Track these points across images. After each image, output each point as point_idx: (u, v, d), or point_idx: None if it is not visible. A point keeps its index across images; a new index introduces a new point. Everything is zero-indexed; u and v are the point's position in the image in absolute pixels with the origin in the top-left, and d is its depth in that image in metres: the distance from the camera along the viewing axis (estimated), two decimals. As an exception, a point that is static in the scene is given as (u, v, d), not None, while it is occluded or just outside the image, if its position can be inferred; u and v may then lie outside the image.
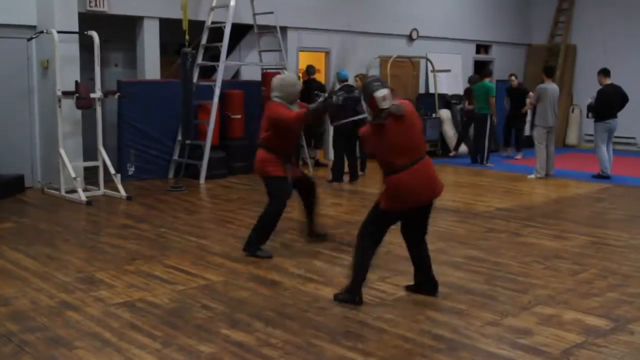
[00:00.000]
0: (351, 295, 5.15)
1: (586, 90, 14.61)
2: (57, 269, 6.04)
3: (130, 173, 10.69)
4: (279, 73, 11.69)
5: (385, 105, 4.92)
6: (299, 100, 6.65)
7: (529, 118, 14.27)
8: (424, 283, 5.42)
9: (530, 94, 12.90)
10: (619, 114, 11.57)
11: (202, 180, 10.72)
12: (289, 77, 6.76)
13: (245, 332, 4.58)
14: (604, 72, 11.62)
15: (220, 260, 6.40)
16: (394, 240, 7.11)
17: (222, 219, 8.26)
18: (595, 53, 16.20)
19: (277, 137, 6.42)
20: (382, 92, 4.91)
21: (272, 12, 11.41)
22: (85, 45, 9.92)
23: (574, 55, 17.04)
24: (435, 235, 7.49)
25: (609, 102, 11.40)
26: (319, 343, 4.40)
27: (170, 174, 11.12)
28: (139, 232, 7.46)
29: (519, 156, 14.13)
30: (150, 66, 11.27)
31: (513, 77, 14.63)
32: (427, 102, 14.71)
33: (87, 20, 10.09)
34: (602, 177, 11.47)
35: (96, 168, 9.69)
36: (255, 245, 6.51)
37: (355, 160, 11.12)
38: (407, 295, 5.40)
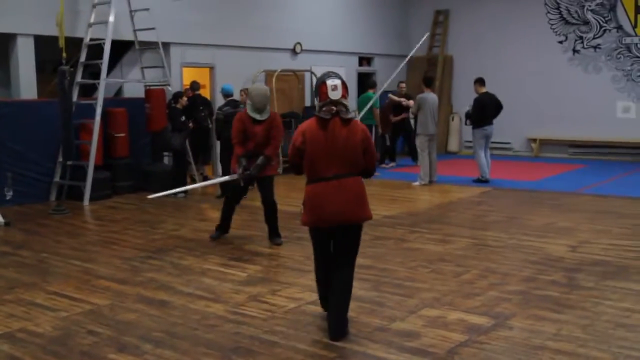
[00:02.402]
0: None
1: (464, 99, 15.28)
2: None
3: (8, 198, 10.17)
4: (162, 90, 11.64)
5: (334, 96, 4.63)
6: (269, 108, 7.58)
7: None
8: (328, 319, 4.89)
9: (411, 101, 13.32)
10: (495, 121, 12.14)
11: (85, 201, 10.37)
12: (255, 87, 7.73)
13: (133, 355, 4.46)
14: (480, 82, 12.16)
15: (106, 283, 6.21)
16: (283, 253, 7.22)
17: (107, 241, 8.02)
18: (470, 63, 16.92)
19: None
20: (334, 82, 4.65)
21: (153, 28, 11.24)
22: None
23: (451, 66, 17.74)
24: (324, 246, 7.60)
25: (485, 110, 11.92)
26: (209, 361, 4.36)
27: (52, 197, 10.69)
28: (19, 259, 7.12)
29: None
30: (26, 85, 10.79)
31: (402, 85, 15.00)
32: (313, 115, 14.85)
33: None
34: (481, 181, 11.98)
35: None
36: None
37: (244, 175, 11.06)
38: (298, 307, 5.42)
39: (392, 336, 4.75)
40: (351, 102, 16.31)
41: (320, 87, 4.68)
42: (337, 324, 4.72)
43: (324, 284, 4.99)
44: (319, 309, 5.35)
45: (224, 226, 8.01)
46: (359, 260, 6.77)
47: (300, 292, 5.83)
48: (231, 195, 7.99)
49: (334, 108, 4.65)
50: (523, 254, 7.05)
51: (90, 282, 6.25)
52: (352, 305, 5.40)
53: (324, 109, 4.65)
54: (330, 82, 4.64)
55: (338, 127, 4.63)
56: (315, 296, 5.65)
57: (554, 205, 9.91)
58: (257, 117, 7.40)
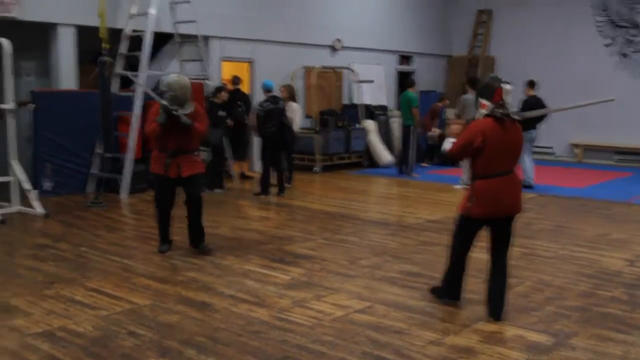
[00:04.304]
0: (441, 295, 5.50)
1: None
2: (-34, 296, 5.55)
3: (46, 188, 10.11)
4: (200, 84, 11.48)
5: (508, 99, 5.02)
6: (192, 102, 6.83)
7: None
8: (488, 305, 5.26)
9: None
10: (538, 125, 11.82)
11: (123, 194, 10.27)
12: (176, 79, 6.78)
13: (176, 361, 4.28)
14: (530, 84, 11.88)
15: (146, 281, 6.04)
16: (326, 255, 6.99)
17: (145, 236, 7.86)
18: (512, 65, 16.54)
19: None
20: (507, 86, 5.02)
21: (194, 21, 11.09)
22: (-5, 53, 9.33)
23: (492, 67, 17.36)
24: (368, 250, 7.38)
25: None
26: (257, 371, 4.15)
27: (90, 189, 10.60)
28: (58, 253, 7.00)
29: None
30: (66, 76, 10.72)
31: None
32: (351, 113, 14.66)
33: (-3, 26, 9.52)
34: (525, 186, 11.63)
35: (7, 184, 9.09)
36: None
37: (283, 173, 10.89)
38: (345, 315, 5.19)
39: (447, 351, 4.50)
40: (390, 101, 16.11)
41: (496, 90, 5.01)
42: (501, 304, 5.18)
43: (461, 273, 5.37)
44: (367, 317, 5.14)
45: (166, 236, 7.10)
46: (407, 267, 6.61)
47: (346, 299, 5.60)
48: (160, 199, 6.96)
49: (507, 110, 5.01)
50: (577, 267, 6.74)
51: (130, 279, 6.09)
52: (402, 315, 5.20)
53: (498, 110, 4.98)
54: (505, 87, 5.00)
55: (510, 126, 5.03)
56: (362, 304, 5.46)
57: (605, 215, 9.56)
58: (181, 111, 6.59)
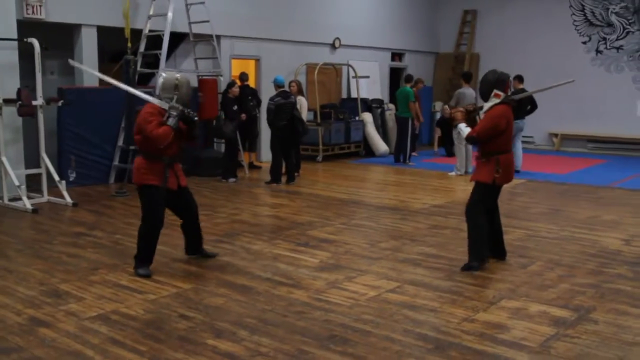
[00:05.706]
0: (475, 264, 5.73)
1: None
2: (18, 283, 5.40)
3: (71, 179, 9.92)
4: (215, 80, 11.31)
5: (511, 90, 5.89)
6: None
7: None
8: (494, 250, 6.04)
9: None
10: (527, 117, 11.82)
11: (144, 184, 10.08)
12: (184, 78, 5.62)
13: (231, 341, 4.17)
14: (519, 78, 11.82)
15: (183, 266, 5.93)
16: (347, 239, 6.91)
17: (172, 224, 7.52)
18: (496, 61, 16.45)
19: (148, 140, 5.46)
20: (511, 79, 5.86)
21: (208, 21, 10.92)
22: (21, 53, 9.12)
23: (477, 63, 17.31)
24: (385, 233, 7.32)
25: (518, 105, 11.52)
26: (310, 350, 4.06)
27: (112, 179, 10.43)
28: (95, 240, 6.85)
29: None
30: (88, 73, 10.48)
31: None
32: (350, 106, 14.55)
33: (23, 27, 9.28)
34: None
35: (34, 175, 8.92)
36: (137, 260, 5.67)
37: (292, 162, 10.78)
38: (378, 295, 5.12)
39: (482, 327, 4.44)
40: (384, 94, 16.01)
41: (507, 82, 5.76)
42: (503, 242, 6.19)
43: (485, 237, 5.82)
44: (399, 297, 5.07)
45: (151, 256, 5.72)
46: (425, 249, 6.54)
47: (375, 279, 5.52)
48: (158, 214, 5.77)
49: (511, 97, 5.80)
50: (580, 247, 6.71)
51: (168, 264, 5.97)
52: (432, 295, 5.13)
53: (509, 98, 5.72)
54: (511, 79, 5.83)
55: (511, 110, 5.79)
56: (392, 284, 5.39)
57: (593, 198, 9.55)
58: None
